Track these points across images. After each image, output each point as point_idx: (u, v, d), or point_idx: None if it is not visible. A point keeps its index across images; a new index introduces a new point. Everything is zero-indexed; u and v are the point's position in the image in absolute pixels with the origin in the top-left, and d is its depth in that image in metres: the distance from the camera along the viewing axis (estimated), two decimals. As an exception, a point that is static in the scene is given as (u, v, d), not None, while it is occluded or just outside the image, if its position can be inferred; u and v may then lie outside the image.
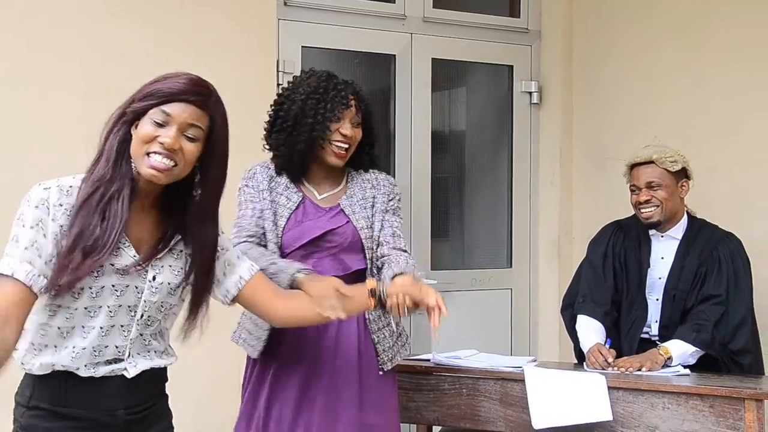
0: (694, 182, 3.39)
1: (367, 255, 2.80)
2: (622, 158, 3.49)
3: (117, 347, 1.99)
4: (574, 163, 4.55)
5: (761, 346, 3.33)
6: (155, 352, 2.07)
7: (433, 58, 4.33)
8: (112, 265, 1.94)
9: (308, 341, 2.71)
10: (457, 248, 4.71)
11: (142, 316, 2.00)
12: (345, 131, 2.77)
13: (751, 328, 3.23)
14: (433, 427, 3.34)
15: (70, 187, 1.95)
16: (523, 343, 4.54)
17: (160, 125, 1.94)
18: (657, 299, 3.35)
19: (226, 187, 2.10)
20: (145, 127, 1.94)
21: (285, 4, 3.98)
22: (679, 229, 3.37)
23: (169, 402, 2.19)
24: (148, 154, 1.94)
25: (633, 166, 3.37)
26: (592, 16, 4.48)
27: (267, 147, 2.87)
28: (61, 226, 1.91)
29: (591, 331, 3.33)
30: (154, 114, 1.94)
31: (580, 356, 3.36)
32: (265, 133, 2.88)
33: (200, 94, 1.97)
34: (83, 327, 1.95)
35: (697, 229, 3.37)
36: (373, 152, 2.94)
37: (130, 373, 2.00)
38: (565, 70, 4.55)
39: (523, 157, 4.57)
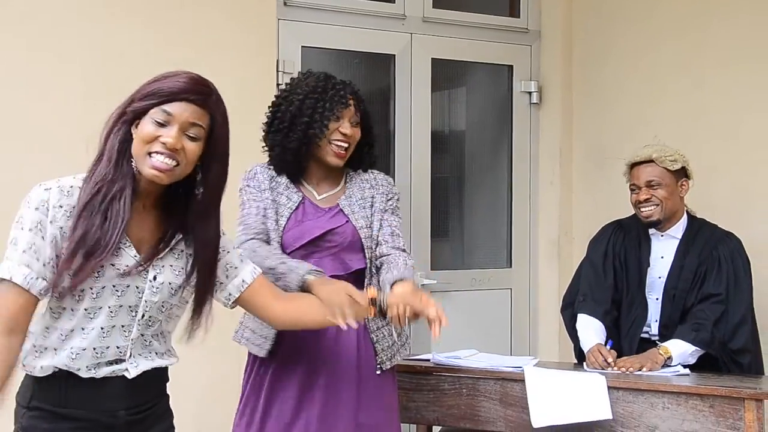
0: (694, 182, 3.39)
1: (366, 254, 2.80)
2: (622, 158, 3.49)
3: (118, 347, 1.99)
4: (574, 163, 4.55)
5: (761, 346, 3.33)
6: (156, 353, 2.06)
7: (432, 58, 4.33)
8: (113, 265, 1.94)
9: (308, 340, 2.71)
10: (456, 248, 4.71)
11: (143, 316, 2.00)
12: (345, 130, 2.78)
13: (750, 327, 3.23)
14: (433, 427, 3.34)
15: (71, 187, 1.95)
16: (522, 343, 4.54)
17: (162, 125, 1.93)
18: (657, 298, 3.36)
19: (227, 187, 2.10)
20: (146, 127, 1.94)
21: (285, 4, 3.98)
22: (679, 229, 3.38)
23: (170, 402, 2.19)
24: (149, 154, 1.93)
25: (633, 166, 3.37)
26: (592, 16, 4.48)
27: (264, 148, 2.88)
28: (61, 228, 1.91)
29: (591, 330, 3.33)
30: (156, 113, 1.94)
31: (580, 356, 3.36)
32: (263, 134, 2.88)
33: (201, 92, 1.97)
34: (83, 329, 1.95)
35: (697, 228, 3.37)
36: (372, 152, 2.94)
37: (131, 374, 2.00)
38: (565, 70, 4.55)
39: (522, 157, 4.57)
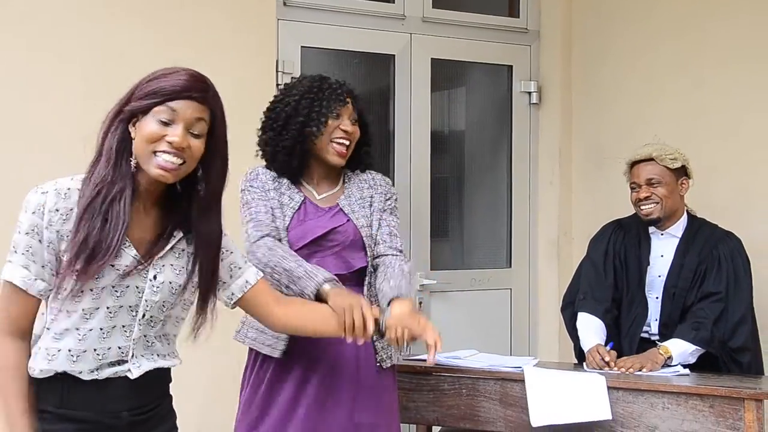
0: (694, 182, 3.39)
1: (368, 253, 2.82)
2: (622, 158, 3.50)
3: (120, 348, 1.98)
4: (574, 163, 4.55)
5: (761, 345, 3.33)
6: (159, 354, 2.05)
7: (432, 58, 4.33)
8: (113, 266, 1.93)
9: (308, 338, 2.71)
10: (456, 248, 4.71)
11: (144, 315, 1.99)
12: (346, 127, 2.79)
13: (750, 326, 3.23)
14: (433, 427, 3.34)
15: (68, 189, 1.94)
16: (522, 343, 4.54)
17: (166, 123, 1.93)
18: (657, 297, 3.36)
19: (226, 188, 2.10)
20: (150, 126, 1.93)
21: (284, 4, 3.98)
22: (679, 227, 3.38)
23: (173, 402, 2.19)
24: (155, 153, 1.93)
25: (633, 164, 3.38)
26: (591, 16, 4.49)
27: (257, 152, 2.89)
28: (58, 232, 1.91)
29: (591, 328, 3.34)
30: (160, 112, 1.92)
31: (580, 355, 3.37)
32: (258, 137, 2.89)
33: (202, 89, 1.97)
34: (77, 329, 1.94)
35: (697, 227, 3.38)
36: (369, 152, 2.95)
37: (134, 374, 1.99)
38: (565, 70, 4.55)
39: (522, 157, 4.57)
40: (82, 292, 1.92)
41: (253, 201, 2.78)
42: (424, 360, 3.23)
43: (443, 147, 4.56)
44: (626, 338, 3.35)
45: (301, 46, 4.02)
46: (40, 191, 1.93)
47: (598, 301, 3.39)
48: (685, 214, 3.40)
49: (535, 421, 2.89)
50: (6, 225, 2.01)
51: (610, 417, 2.87)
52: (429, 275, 4.25)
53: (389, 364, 2.83)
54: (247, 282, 2.21)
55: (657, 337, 3.32)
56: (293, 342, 2.70)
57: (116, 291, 1.95)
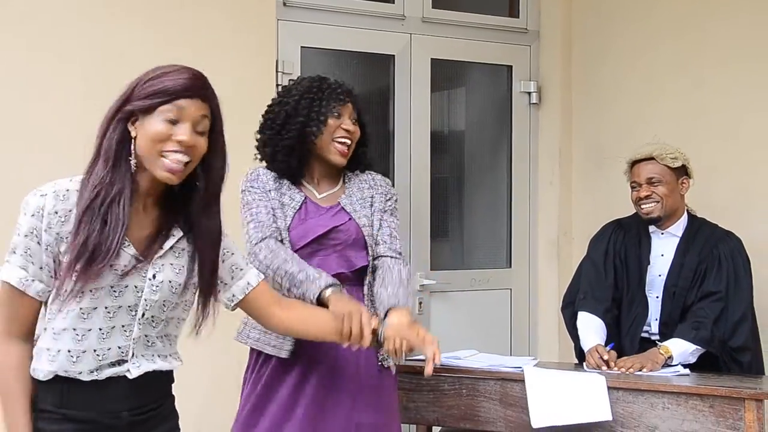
0: (694, 182, 3.39)
1: (369, 252, 2.83)
2: (622, 158, 3.50)
3: (120, 348, 1.98)
4: (574, 163, 4.55)
5: (761, 345, 3.33)
6: (159, 355, 2.04)
7: (432, 59, 4.33)
8: (112, 266, 1.93)
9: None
10: (456, 248, 4.71)
11: (143, 315, 1.98)
12: (347, 126, 2.81)
13: (750, 326, 3.23)
14: (433, 427, 3.34)
15: (67, 190, 1.93)
16: (522, 343, 4.54)
17: (172, 122, 1.92)
18: (657, 297, 3.36)
19: (227, 189, 2.10)
20: (156, 126, 1.92)
21: (284, 4, 3.98)
22: (679, 227, 3.38)
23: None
24: (162, 154, 1.92)
25: (634, 163, 3.39)
26: (591, 16, 4.49)
27: (256, 152, 2.89)
28: (57, 234, 1.91)
29: (591, 328, 3.34)
30: (166, 111, 1.91)
31: (581, 355, 3.36)
32: (256, 139, 2.89)
33: (203, 87, 1.97)
34: (74, 329, 1.94)
35: (698, 227, 3.38)
36: (366, 152, 2.96)
37: (132, 374, 1.99)
38: (564, 70, 4.55)
39: (522, 157, 4.57)
40: (82, 293, 1.91)
41: (253, 201, 2.78)
42: (425, 360, 3.25)
43: (443, 147, 4.56)
44: (627, 337, 3.35)
45: (301, 47, 4.02)
46: (39, 194, 1.93)
47: (599, 300, 3.39)
48: (686, 213, 3.40)
49: (536, 422, 2.89)
50: (6, 225, 2.01)
51: (610, 418, 2.87)
52: (429, 275, 4.25)
53: (390, 363, 2.83)
54: (248, 284, 2.21)
55: (657, 337, 3.32)
56: (299, 343, 2.70)
57: (115, 291, 1.94)
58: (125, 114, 1.93)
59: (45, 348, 1.95)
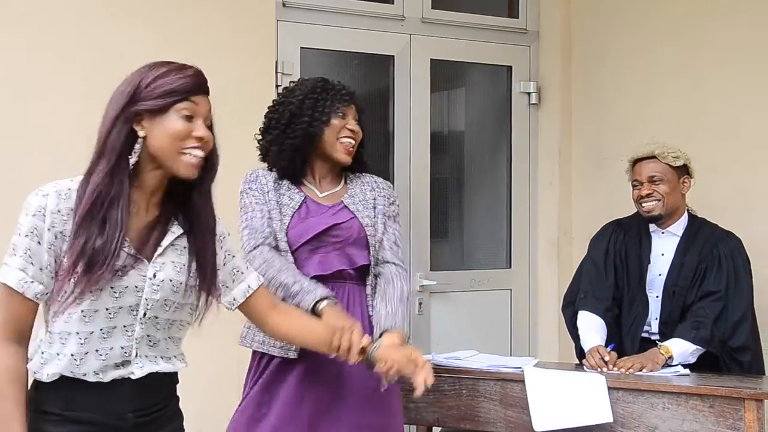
0: (695, 182, 3.39)
1: (371, 252, 2.84)
2: (621, 158, 3.50)
3: (123, 348, 1.97)
4: (573, 164, 4.55)
5: (761, 345, 3.34)
6: (162, 357, 2.04)
7: (431, 59, 4.33)
8: (112, 267, 1.93)
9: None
10: (456, 249, 4.71)
11: (145, 314, 1.98)
12: (352, 126, 2.84)
13: (750, 325, 3.24)
14: (433, 428, 3.34)
15: (69, 190, 1.93)
16: (522, 343, 4.54)
17: (188, 120, 1.94)
18: (657, 296, 3.36)
19: (223, 189, 2.11)
20: (174, 124, 1.93)
21: (284, 5, 3.98)
22: (679, 226, 3.38)
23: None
24: (182, 151, 1.94)
25: (635, 162, 3.39)
26: (591, 16, 4.49)
27: (260, 152, 2.89)
28: (60, 233, 1.90)
29: (592, 327, 3.34)
30: (182, 109, 1.94)
31: (581, 354, 3.36)
32: (259, 138, 2.90)
33: (206, 82, 2.01)
34: (77, 332, 1.93)
35: (698, 226, 3.38)
36: (363, 152, 2.97)
37: (136, 375, 1.98)
38: (564, 71, 4.55)
39: (522, 158, 4.57)
40: (82, 295, 1.91)
41: (249, 205, 2.79)
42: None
43: (443, 148, 4.56)
44: (628, 337, 3.35)
45: (301, 47, 4.02)
46: (41, 194, 1.92)
47: (599, 299, 3.39)
48: (686, 213, 3.41)
49: (538, 425, 2.89)
50: (6, 225, 2.00)
51: (611, 419, 2.87)
52: (429, 276, 4.25)
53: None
54: (249, 287, 2.22)
55: (657, 336, 3.32)
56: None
57: (115, 292, 1.94)
58: (131, 114, 1.93)
59: (48, 351, 1.94)
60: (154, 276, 1.97)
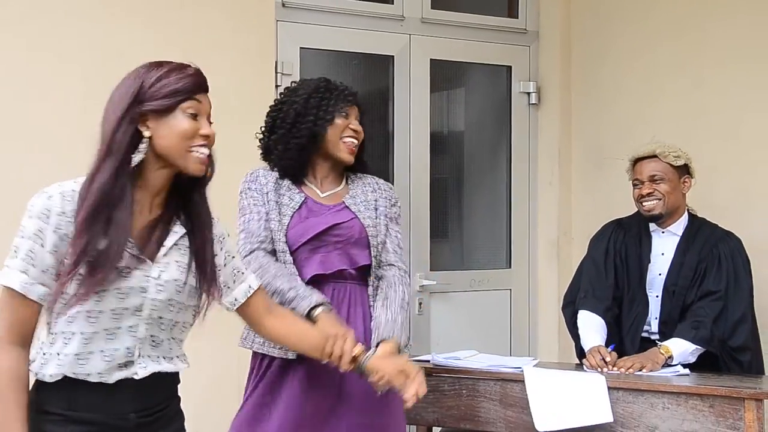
0: (695, 182, 3.40)
1: (372, 252, 2.84)
2: (621, 158, 3.50)
3: (128, 348, 1.97)
4: (573, 164, 4.55)
5: (761, 345, 3.34)
6: (165, 357, 2.04)
7: (431, 59, 4.33)
8: (116, 268, 1.92)
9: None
10: (456, 249, 4.71)
11: (149, 315, 1.98)
12: (355, 126, 2.85)
13: (750, 325, 3.24)
14: (433, 428, 3.34)
15: (73, 191, 1.92)
16: (522, 343, 4.54)
17: (194, 118, 1.96)
18: (657, 296, 3.36)
19: (223, 189, 2.12)
20: (182, 123, 1.95)
21: (283, 5, 3.98)
22: (680, 226, 3.38)
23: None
24: (190, 149, 1.96)
25: (636, 161, 3.39)
26: (590, 16, 4.49)
27: (262, 152, 2.89)
28: (66, 235, 1.89)
29: (592, 327, 3.34)
30: (188, 108, 1.96)
31: (581, 354, 3.36)
32: (262, 138, 2.90)
33: (205, 79, 2.03)
34: (82, 333, 1.93)
35: (698, 226, 3.38)
36: (362, 154, 2.97)
37: (139, 375, 1.98)
38: (564, 71, 4.55)
39: (521, 158, 4.57)
40: (86, 296, 1.90)
41: (247, 207, 2.79)
42: (424, 361, 3.25)
43: (442, 148, 4.56)
44: (628, 337, 3.35)
45: (300, 48, 4.01)
46: (45, 195, 1.92)
47: (599, 299, 3.39)
48: (686, 212, 3.41)
49: (540, 425, 2.89)
50: (6, 225, 2.00)
51: (611, 419, 2.87)
52: (429, 276, 4.25)
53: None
54: (249, 287, 2.23)
55: (657, 336, 3.32)
56: None
57: (120, 293, 1.93)
58: (136, 115, 1.94)
59: (49, 351, 1.94)
60: (159, 276, 1.97)
